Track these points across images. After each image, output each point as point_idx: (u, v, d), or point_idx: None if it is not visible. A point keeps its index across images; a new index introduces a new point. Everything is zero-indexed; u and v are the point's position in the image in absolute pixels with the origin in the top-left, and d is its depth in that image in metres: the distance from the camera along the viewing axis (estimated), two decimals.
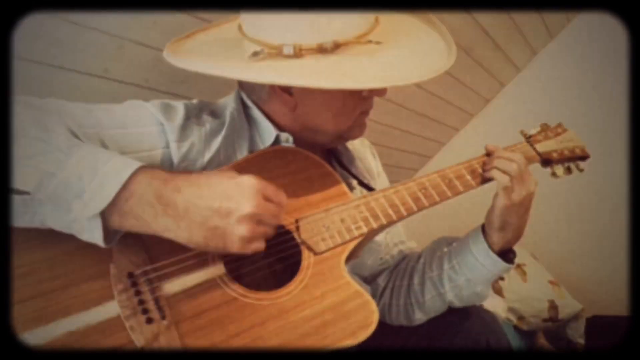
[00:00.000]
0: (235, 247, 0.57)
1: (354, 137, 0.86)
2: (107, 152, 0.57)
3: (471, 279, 0.85)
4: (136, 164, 0.55)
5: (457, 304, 0.89)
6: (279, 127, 0.82)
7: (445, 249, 0.90)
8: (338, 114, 0.79)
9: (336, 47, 0.70)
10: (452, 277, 0.87)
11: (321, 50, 0.70)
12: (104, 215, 0.53)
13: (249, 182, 0.58)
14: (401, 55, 0.74)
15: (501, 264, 0.83)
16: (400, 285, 0.95)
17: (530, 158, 0.91)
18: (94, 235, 0.54)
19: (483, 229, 0.85)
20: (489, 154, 0.85)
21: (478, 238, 0.85)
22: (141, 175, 0.55)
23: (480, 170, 0.84)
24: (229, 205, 0.56)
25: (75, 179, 0.52)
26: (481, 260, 0.84)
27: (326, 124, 0.80)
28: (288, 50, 0.69)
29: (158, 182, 0.56)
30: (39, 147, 0.53)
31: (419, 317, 0.92)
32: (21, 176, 0.52)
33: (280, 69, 0.69)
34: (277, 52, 0.70)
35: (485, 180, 0.83)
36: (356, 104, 0.80)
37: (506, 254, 0.85)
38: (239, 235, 0.57)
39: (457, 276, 0.87)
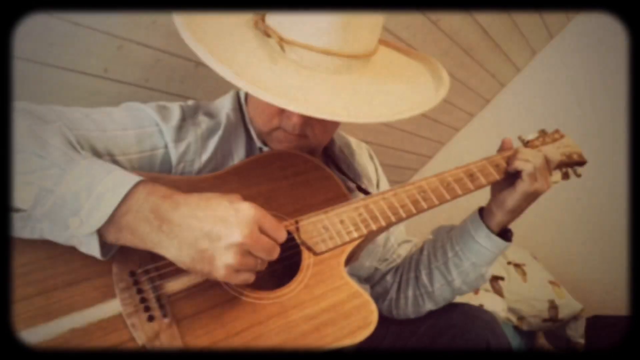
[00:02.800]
0: (220, 274, 0.56)
1: (272, 147, 0.81)
2: (105, 166, 0.56)
3: (475, 262, 0.89)
4: (134, 180, 0.55)
5: (465, 289, 0.92)
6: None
7: (446, 238, 0.92)
8: (258, 109, 0.79)
9: (280, 40, 0.69)
10: (458, 263, 0.90)
11: (266, 33, 0.71)
12: (101, 230, 0.53)
13: (247, 210, 0.56)
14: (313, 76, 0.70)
15: (503, 243, 0.87)
16: (408, 278, 0.96)
17: None
18: (91, 249, 0.54)
19: (480, 213, 0.89)
20: (503, 148, 0.90)
21: (478, 224, 0.88)
22: (139, 191, 0.55)
23: (478, 174, 0.84)
24: (220, 230, 0.54)
25: (72, 196, 0.52)
26: (483, 244, 0.87)
27: (253, 115, 0.81)
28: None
29: (156, 197, 0.55)
30: (36, 163, 0.53)
31: (429, 307, 0.94)
32: (18, 193, 0.51)
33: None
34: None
35: (508, 174, 0.86)
36: (271, 109, 0.75)
37: (504, 233, 0.89)
38: (224, 262, 0.55)
39: (462, 262, 0.89)
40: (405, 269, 0.98)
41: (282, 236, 0.59)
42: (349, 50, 0.70)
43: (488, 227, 0.87)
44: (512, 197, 0.84)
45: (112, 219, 0.53)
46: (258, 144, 0.81)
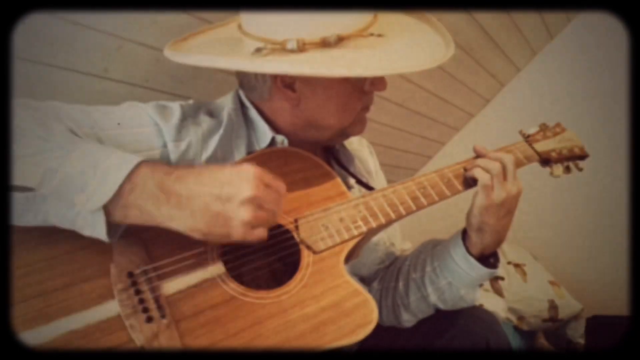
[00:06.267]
0: (238, 232, 0.57)
1: (356, 133, 0.86)
2: (107, 147, 0.58)
3: (452, 282, 0.84)
4: (137, 158, 0.56)
5: (442, 306, 0.87)
6: (278, 127, 0.82)
7: (430, 252, 0.89)
8: (341, 109, 0.79)
9: (339, 40, 0.70)
10: (434, 279, 0.86)
11: (324, 44, 0.70)
12: (107, 209, 0.54)
13: (247, 168, 0.58)
14: (404, 46, 0.74)
15: (480, 268, 0.81)
16: (388, 287, 0.95)
17: (529, 157, 0.91)
18: (97, 229, 0.54)
19: (464, 232, 0.84)
20: (478, 155, 0.83)
21: (457, 241, 0.83)
22: (143, 169, 0.56)
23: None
24: (229, 191, 0.56)
25: (78, 174, 0.53)
26: (460, 264, 0.82)
27: (329, 119, 0.80)
28: (291, 45, 0.69)
29: (160, 173, 0.56)
30: (39, 145, 0.54)
31: (407, 319, 0.91)
32: (24, 173, 0.52)
33: (285, 62, 0.69)
34: (280, 48, 0.70)
35: (469, 182, 0.81)
36: (358, 99, 0.80)
37: (487, 259, 0.83)
38: (241, 219, 0.56)
39: (438, 279, 0.85)
40: (387, 276, 0.97)
41: (283, 187, 0.61)
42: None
43: (467, 248, 0.82)
44: (472, 215, 0.78)
45: (118, 196, 0.54)
46: (278, 138, 0.80)
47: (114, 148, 0.58)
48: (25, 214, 0.54)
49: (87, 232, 0.55)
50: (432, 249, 0.90)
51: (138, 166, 0.55)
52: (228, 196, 0.56)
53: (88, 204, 0.53)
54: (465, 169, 0.82)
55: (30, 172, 0.52)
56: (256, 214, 0.57)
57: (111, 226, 0.55)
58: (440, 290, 0.86)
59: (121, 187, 0.53)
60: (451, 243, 0.85)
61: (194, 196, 0.56)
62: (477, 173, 0.78)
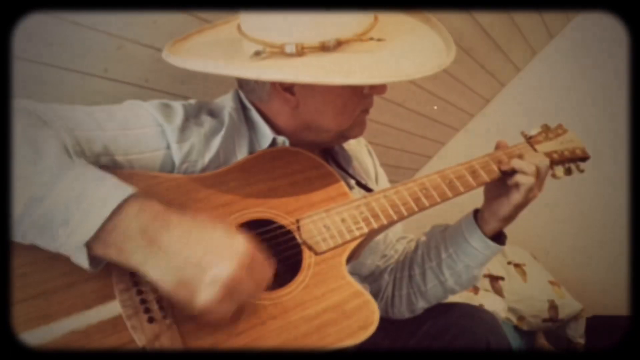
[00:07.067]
0: (200, 303, 0.54)
1: (354, 136, 0.86)
2: (97, 175, 0.55)
3: (469, 264, 0.89)
4: (124, 193, 0.54)
5: (458, 289, 0.92)
6: (278, 129, 0.82)
7: (440, 239, 0.93)
8: (340, 112, 0.79)
9: (338, 45, 0.70)
10: (451, 265, 0.90)
11: (323, 48, 0.70)
12: (89, 244, 0.53)
13: (241, 247, 0.55)
14: (403, 52, 0.74)
15: (497, 247, 0.88)
16: (402, 277, 0.97)
17: None
18: (80, 261, 0.54)
19: (474, 216, 0.89)
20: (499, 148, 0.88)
21: (473, 228, 0.88)
22: (130, 205, 0.53)
23: (481, 171, 0.84)
24: (209, 261, 0.54)
25: (62, 207, 0.51)
26: (478, 247, 0.87)
27: (328, 122, 0.80)
28: (290, 49, 0.69)
29: (147, 215, 0.54)
30: (27, 169, 0.52)
31: (422, 306, 0.95)
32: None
33: (283, 67, 0.69)
34: (279, 51, 0.70)
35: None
36: (357, 102, 0.80)
37: (498, 237, 0.89)
38: (205, 297, 0.53)
39: (455, 264, 0.90)
40: (399, 267, 0.98)
41: (269, 272, 0.59)
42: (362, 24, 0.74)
43: (482, 231, 0.87)
44: (504, 208, 0.84)
45: (99, 234, 0.52)
46: (279, 140, 0.80)
47: (107, 174, 0.56)
48: (15, 234, 0.53)
49: (73, 260, 0.54)
50: (440, 235, 0.93)
51: (126, 202, 0.53)
52: (205, 267, 0.53)
53: (69, 240, 0.52)
54: (502, 171, 0.84)
55: (15, 200, 0.51)
56: (223, 298, 0.54)
57: (94, 258, 0.54)
58: (458, 274, 0.90)
59: (103, 226, 0.52)
60: (464, 228, 0.89)
61: (173, 252, 0.54)
62: (521, 179, 0.81)
